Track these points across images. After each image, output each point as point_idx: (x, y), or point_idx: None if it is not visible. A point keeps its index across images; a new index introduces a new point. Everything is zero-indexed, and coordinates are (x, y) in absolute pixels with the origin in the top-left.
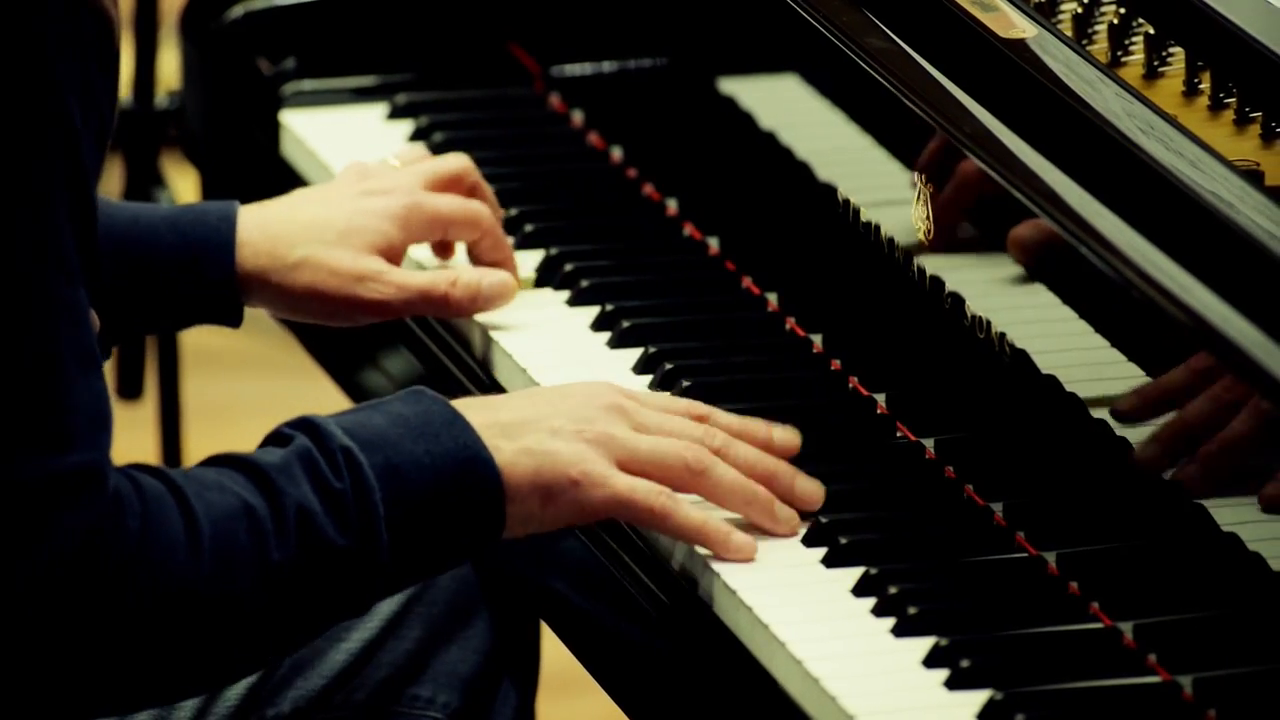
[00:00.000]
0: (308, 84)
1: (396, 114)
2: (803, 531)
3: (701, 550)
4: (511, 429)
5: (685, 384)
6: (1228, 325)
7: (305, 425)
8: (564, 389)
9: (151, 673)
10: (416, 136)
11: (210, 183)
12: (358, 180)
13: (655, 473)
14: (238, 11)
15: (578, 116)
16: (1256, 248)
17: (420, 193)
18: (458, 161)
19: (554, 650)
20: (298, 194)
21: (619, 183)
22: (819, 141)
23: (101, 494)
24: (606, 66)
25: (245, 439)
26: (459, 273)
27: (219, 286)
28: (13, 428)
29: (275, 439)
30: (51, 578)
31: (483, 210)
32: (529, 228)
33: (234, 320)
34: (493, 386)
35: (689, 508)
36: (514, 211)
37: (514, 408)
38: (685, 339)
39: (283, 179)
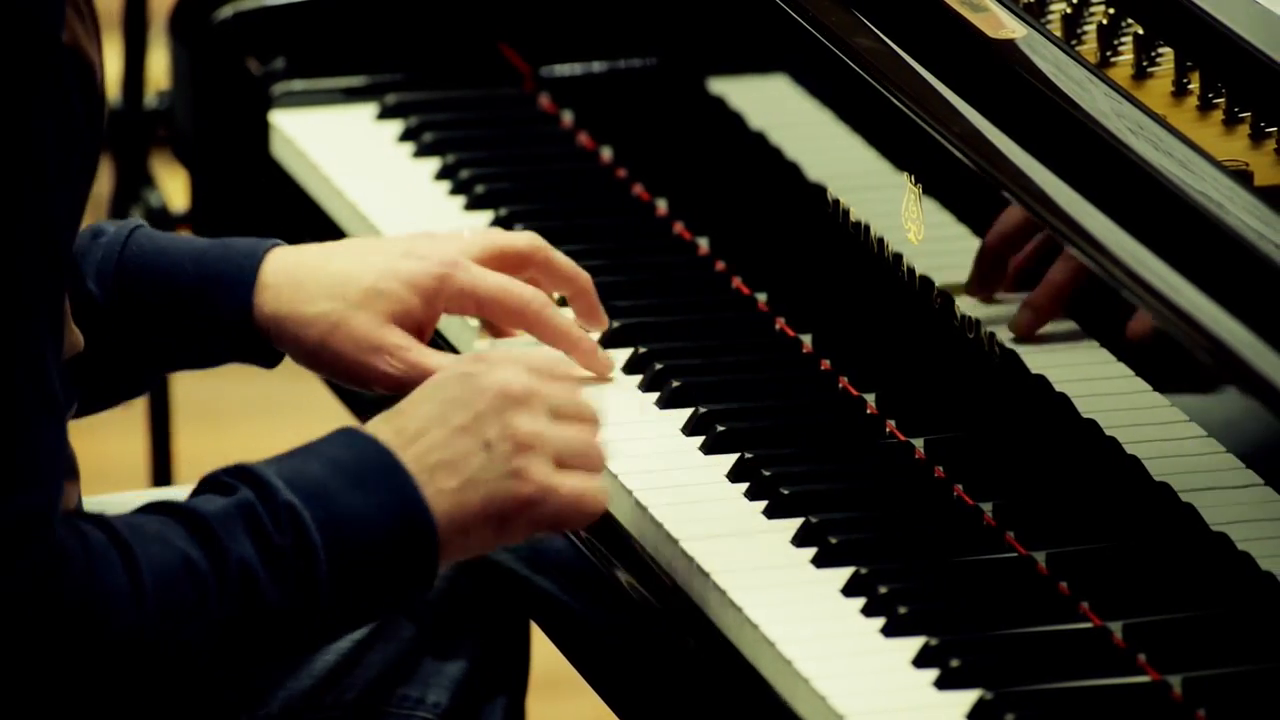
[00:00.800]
0: (297, 84)
1: (386, 114)
2: (793, 531)
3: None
4: (445, 457)
5: (675, 384)
6: (1217, 325)
7: (247, 476)
8: (474, 384)
9: (100, 713)
10: (406, 137)
11: (200, 183)
12: (408, 240)
13: (575, 461)
14: (227, 11)
15: (568, 117)
16: (1245, 248)
17: (460, 263)
18: (525, 238)
19: (544, 651)
20: (339, 243)
21: (609, 183)
22: (808, 141)
23: (47, 541)
24: (596, 66)
25: (235, 441)
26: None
27: (235, 326)
28: None
29: (215, 487)
30: None
31: (531, 302)
32: (518, 228)
33: (268, 361)
34: None
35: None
36: (503, 211)
37: (434, 430)
38: (675, 339)
39: (272, 179)
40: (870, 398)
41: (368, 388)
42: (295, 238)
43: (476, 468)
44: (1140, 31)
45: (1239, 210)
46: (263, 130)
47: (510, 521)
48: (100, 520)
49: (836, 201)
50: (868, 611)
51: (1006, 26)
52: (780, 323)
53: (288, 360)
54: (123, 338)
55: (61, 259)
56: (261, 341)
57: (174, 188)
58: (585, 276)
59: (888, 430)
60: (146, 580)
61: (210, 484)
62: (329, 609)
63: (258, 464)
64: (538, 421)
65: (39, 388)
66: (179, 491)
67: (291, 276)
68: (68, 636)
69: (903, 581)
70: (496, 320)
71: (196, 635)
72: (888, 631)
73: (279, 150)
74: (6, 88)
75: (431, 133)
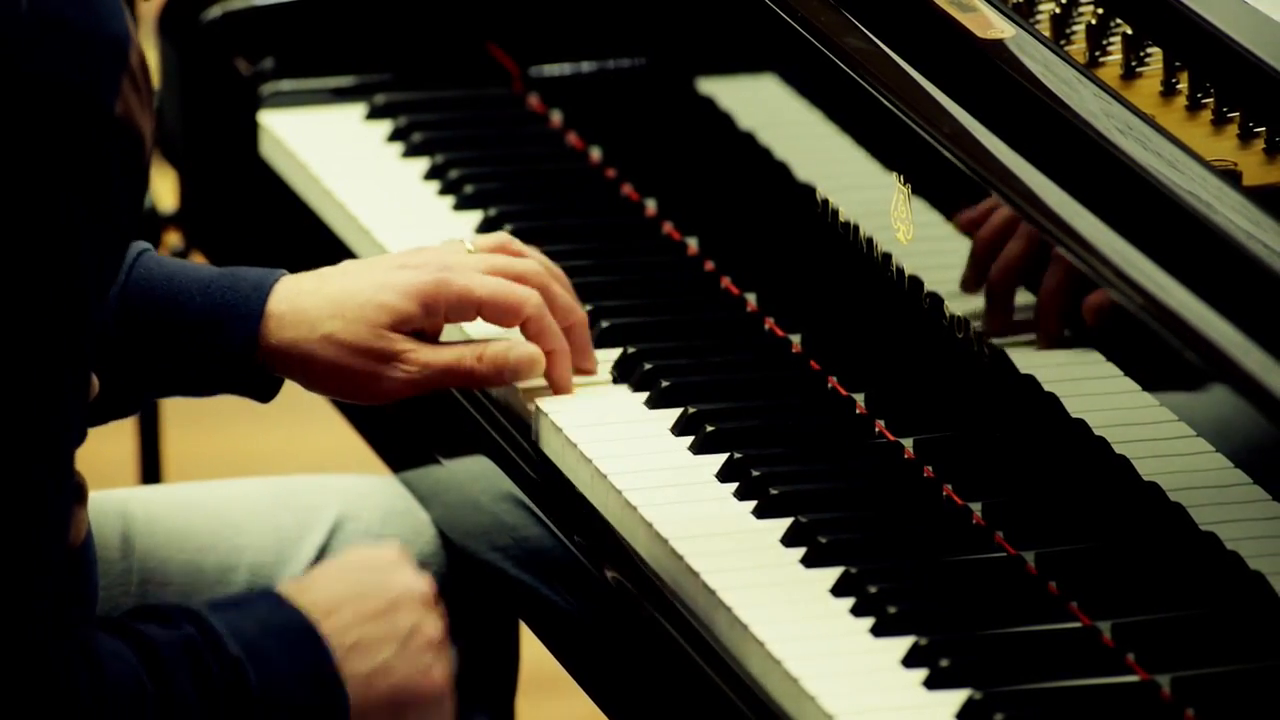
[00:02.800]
0: (286, 84)
1: (375, 114)
2: (782, 531)
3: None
4: (359, 647)
5: (664, 384)
6: (1205, 324)
7: (192, 618)
8: (373, 576)
9: None
10: (395, 137)
11: (188, 183)
12: (404, 253)
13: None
14: (216, 12)
15: (556, 117)
16: (1234, 247)
17: (454, 267)
18: (526, 264)
19: (533, 650)
20: (336, 266)
21: (598, 183)
22: (797, 141)
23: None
24: (585, 67)
25: (223, 439)
26: (486, 346)
27: (239, 358)
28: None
29: (158, 616)
30: None
31: (527, 298)
32: (508, 228)
33: (264, 395)
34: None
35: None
36: (492, 211)
37: (353, 609)
38: (664, 339)
39: (261, 180)
40: (859, 397)
41: (384, 400)
42: (283, 238)
43: (388, 657)
44: (1129, 32)
45: (1227, 210)
46: (251, 130)
47: (406, 713)
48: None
49: (826, 201)
50: (857, 611)
51: (995, 26)
52: (769, 323)
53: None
54: (123, 361)
55: (90, 336)
56: (262, 373)
57: (163, 188)
58: (581, 314)
59: (877, 430)
60: (109, 694)
61: (153, 614)
62: None
63: (196, 606)
64: (440, 626)
65: (55, 505)
66: (167, 489)
67: (293, 305)
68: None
69: (892, 581)
70: (495, 321)
71: None
72: (877, 631)
73: (268, 150)
74: (41, 158)
75: (420, 133)
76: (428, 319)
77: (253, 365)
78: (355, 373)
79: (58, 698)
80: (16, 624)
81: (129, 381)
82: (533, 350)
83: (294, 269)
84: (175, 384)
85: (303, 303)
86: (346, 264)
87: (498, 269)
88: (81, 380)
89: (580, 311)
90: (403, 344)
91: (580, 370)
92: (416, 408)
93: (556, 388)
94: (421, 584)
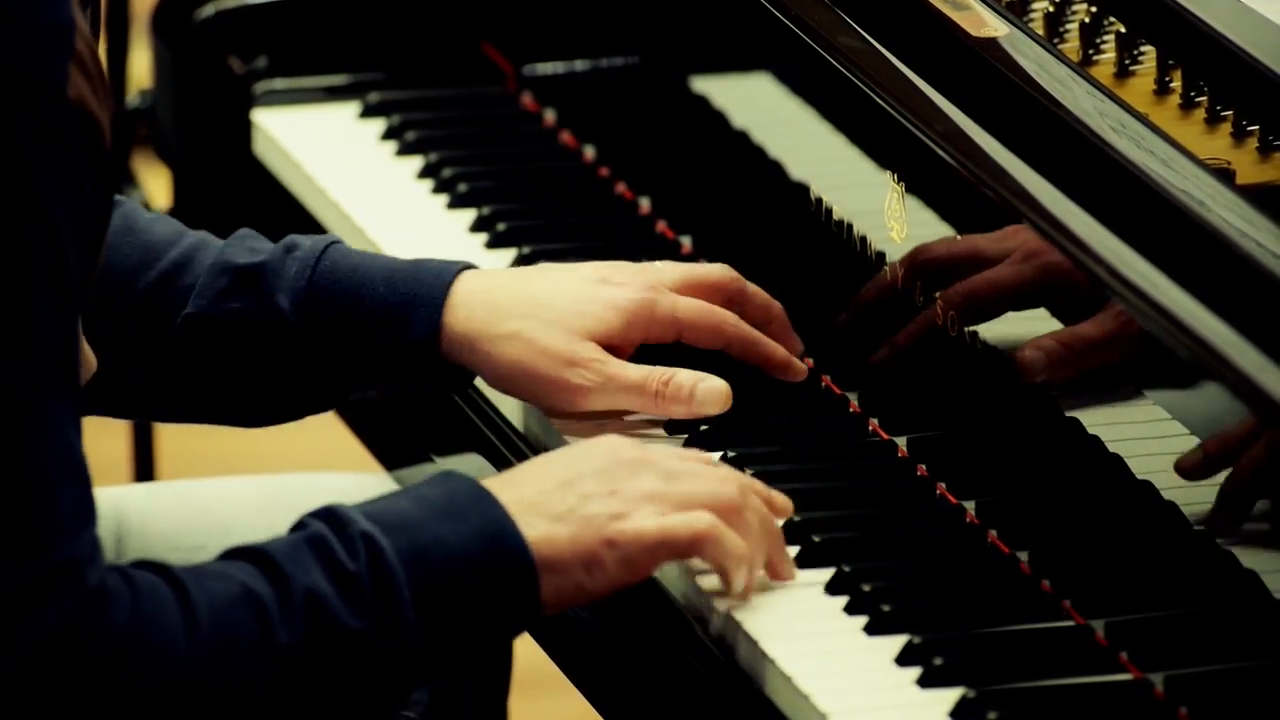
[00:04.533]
0: (279, 83)
1: (368, 113)
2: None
3: (694, 563)
4: (542, 502)
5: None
6: (1198, 323)
7: (325, 513)
8: (583, 450)
9: None
10: (389, 136)
11: (182, 182)
12: (605, 267)
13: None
14: (209, 10)
15: (550, 115)
16: (1227, 246)
17: (660, 291)
18: (720, 271)
19: (527, 648)
20: (533, 267)
21: (591, 181)
22: (791, 140)
23: (78, 589)
24: (579, 65)
25: (218, 439)
26: (674, 372)
27: (423, 346)
28: None
29: (295, 528)
30: (26, 679)
31: (726, 320)
32: (501, 226)
33: (458, 385)
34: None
35: (731, 534)
36: (486, 210)
37: (540, 478)
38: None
39: (255, 178)
40: (853, 396)
41: (560, 407)
42: (277, 237)
43: (567, 508)
44: (1122, 30)
45: (1221, 208)
46: (245, 129)
47: (599, 564)
48: (155, 565)
49: (819, 200)
50: (851, 610)
51: (989, 25)
52: None
53: None
54: (311, 356)
55: (77, 309)
56: (449, 364)
57: (156, 187)
58: (778, 306)
59: (871, 429)
60: (201, 614)
61: (293, 528)
62: (420, 638)
63: (343, 505)
64: (641, 481)
65: (62, 448)
66: (160, 487)
67: (486, 297)
68: (113, 680)
69: (886, 580)
70: (696, 343)
71: (262, 669)
72: (870, 630)
73: (261, 149)
74: (4, 145)
75: (414, 131)
76: (627, 335)
77: (438, 354)
78: (538, 372)
79: (86, 627)
80: (32, 545)
81: (322, 375)
82: (720, 384)
83: None
84: (364, 378)
85: (498, 296)
86: (545, 267)
87: (693, 279)
88: (72, 361)
89: (776, 303)
90: (593, 352)
91: (784, 370)
92: (409, 407)
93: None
94: (624, 447)
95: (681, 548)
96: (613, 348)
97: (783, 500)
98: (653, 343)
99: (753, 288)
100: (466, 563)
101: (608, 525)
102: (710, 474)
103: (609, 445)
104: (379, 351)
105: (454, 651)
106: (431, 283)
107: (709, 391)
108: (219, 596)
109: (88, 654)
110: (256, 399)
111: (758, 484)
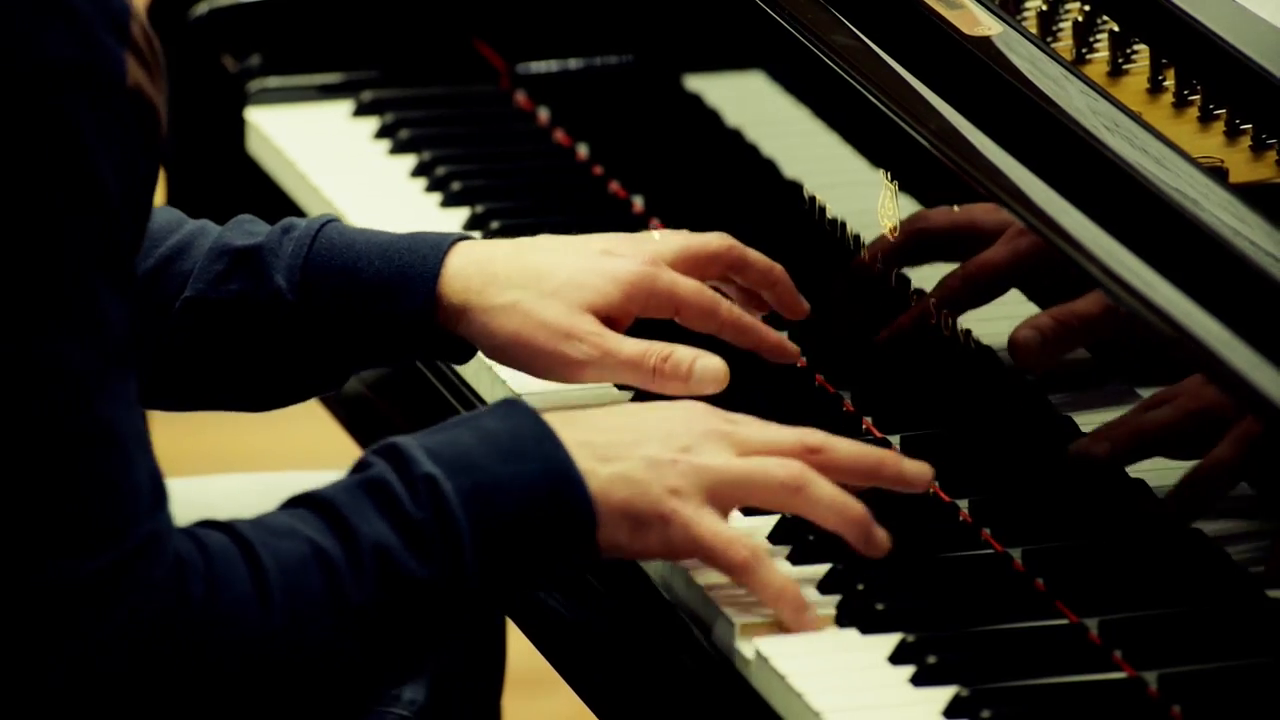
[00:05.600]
0: (273, 81)
1: (362, 111)
2: (768, 529)
3: (690, 562)
4: (606, 452)
5: None
6: (1192, 321)
7: (388, 451)
8: (662, 409)
9: None
10: (382, 134)
11: (175, 180)
12: (605, 239)
13: (750, 497)
14: (203, 8)
15: (544, 113)
16: (1220, 244)
17: (661, 266)
18: (718, 239)
19: (521, 648)
20: (530, 239)
21: (585, 179)
22: (785, 138)
23: (162, 564)
24: (572, 63)
25: (211, 436)
26: (673, 348)
27: (419, 317)
28: (73, 519)
29: (358, 467)
30: (120, 659)
31: (721, 304)
32: (494, 225)
33: (459, 356)
34: (457, 378)
35: (772, 566)
36: (480, 209)
37: (609, 427)
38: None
39: (248, 176)
40: (847, 395)
41: (557, 379)
42: None
43: (630, 466)
44: (1116, 29)
45: (1214, 207)
46: (238, 127)
47: (643, 532)
48: (222, 525)
49: (813, 198)
50: (844, 608)
51: (982, 23)
52: None
53: None
54: (310, 333)
55: (133, 286)
56: (447, 335)
57: None
58: (780, 268)
59: (864, 427)
60: (273, 579)
61: (356, 467)
62: (479, 581)
63: (405, 437)
64: (713, 455)
65: (133, 423)
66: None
67: (483, 268)
68: (198, 652)
69: (879, 578)
70: (689, 323)
71: (336, 627)
72: (864, 628)
73: (254, 147)
74: (66, 125)
75: (407, 129)
76: (626, 308)
77: (435, 325)
78: (535, 344)
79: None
80: (119, 523)
81: (319, 354)
82: (718, 363)
83: None
84: (363, 353)
85: (495, 266)
86: (543, 238)
87: (691, 250)
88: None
89: (778, 265)
90: (590, 325)
91: (796, 315)
92: (404, 404)
93: (788, 362)
94: (713, 415)
95: (721, 564)
96: (610, 320)
97: (916, 470)
98: (649, 317)
99: (753, 254)
100: (528, 506)
101: (665, 500)
102: (783, 445)
103: (689, 410)
104: (375, 324)
105: (511, 590)
106: (427, 254)
107: (706, 370)
108: (288, 558)
109: (171, 635)
110: (258, 381)
111: (873, 455)
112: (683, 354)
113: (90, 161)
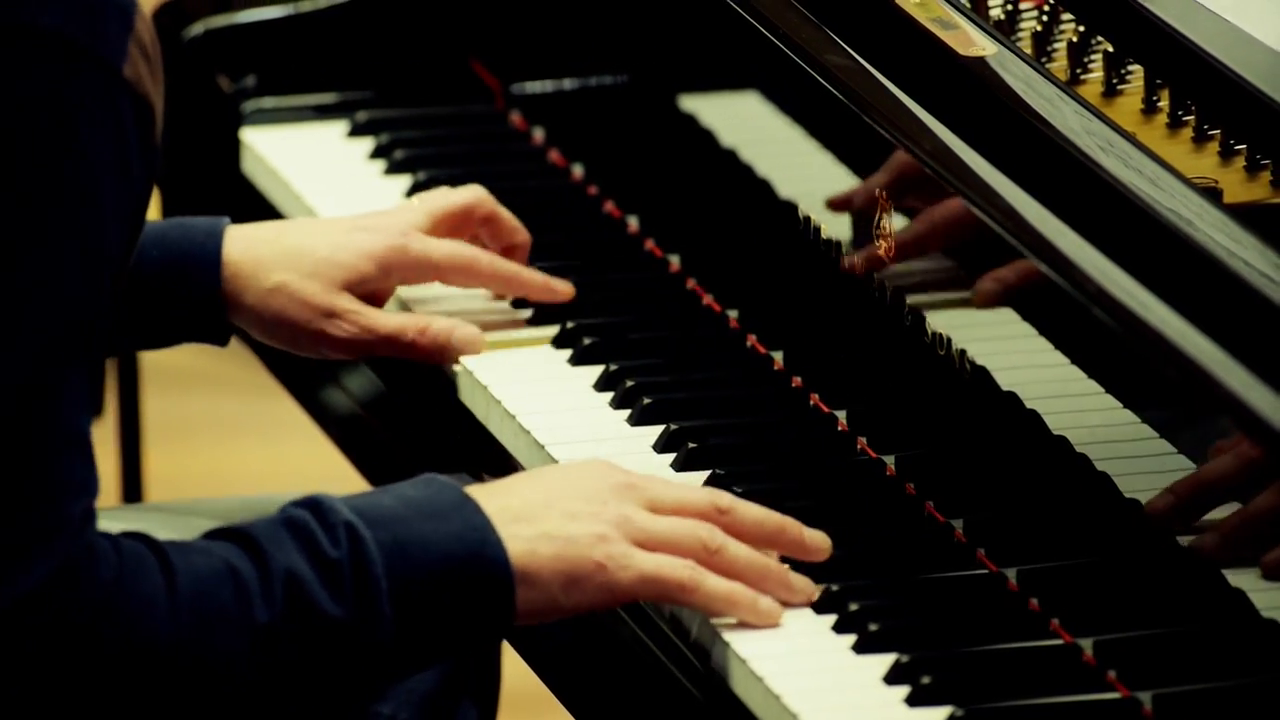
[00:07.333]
0: (268, 101)
1: (357, 131)
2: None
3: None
4: (525, 514)
5: (647, 401)
6: (1186, 342)
7: (309, 502)
8: (572, 469)
9: None
10: (377, 154)
11: (170, 200)
12: (357, 216)
13: (672, 551)
14: (198, 29)
15: (538, 134)
16: (1215, 265)
17: (412, 235)
18: (466, 195)
19: (515, 668)
20: (291, 221)
21: (580, 200)
22: (779, 159)
23: (68, 547)
24: (567, 84)
25: (205, 458)
26: (430, 321)
27: (204, 304)
28: None
29: (278, 514)
30: (10, 632)
31: (478, 258)
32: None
33: (221, 339)
34: (451, 397)
35: (714, 577)
36: None
37: (525, 492)
38: (646, 356)
39: (243, 197)
40: (841, 414)
41: (323, 354)
42: None
43: (553, 525)
44: (1110, 49)
45: (1208, 227)
46: (233, 147)
47: (579, 584)
48: (139, 535)
49: (808, 219)
50: (839, 628)
51: (977, 44)
52: (751, 340)
53: (261, 377)
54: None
55: (114, 290)
56: (220, 320)
57: None
58: (527, 235)
59: (859, 447)
60: (182, 584)
61: (276, 514)
62: (396, 633)
63: (327, 495)
64: (629, 507)
65: (65, 414)
66: (149, 508)
67: (248, 253)
68: (97, 636)
69: (874, 598)
70: (453, 281)
71: (239, 642)
72: (859, 648)
73: (249, 167)
74: (61, 117)
75: (402, 150)
76: (383, 281)
77: (214, 312)
78: (298, 324)
79: (77, 590)
80: (29, 500)
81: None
82: (473, 331)
83: None
84: (139, 339)
85: (259, 251)
86: (304, 220)
87: (441, 210)
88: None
89: (524, 230)
90: (349, 304)
91: (547, 295)
92: (399, 424)
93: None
94: (615, 473)
95: (669, 590)
96: (372, 296)
97: (815, 539)
98: (410, 284)
99: (503, 211)
100: (446, 563)
101: (593, 548)
102: (692, 505)
103: (598, 467)
104: (156, 313)
105: (427, 651)
106: (205, 242)
107: (464, 339)
108: (201, 568)
109: (73, 607)
110: None
111: (775, 520)
112: (440, 325)
113: (78, 142)
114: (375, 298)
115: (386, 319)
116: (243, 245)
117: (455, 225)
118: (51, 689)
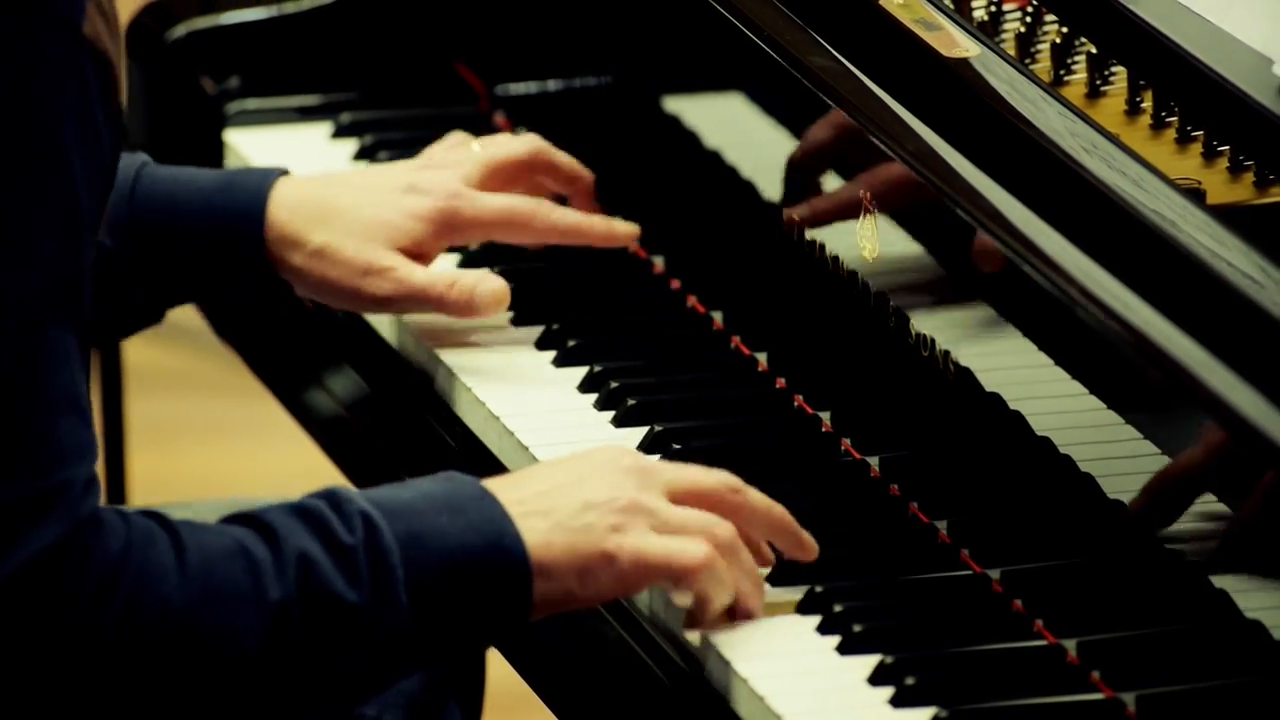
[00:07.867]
0: (252, 103)
1: (341, 133)
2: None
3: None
4: (541, 505)
5: (631, 402)
6: (1170, 343)
7: (324, 493)
8: (583, 459)
9: (137, 706)
10: (361, 156)
11: None
12: (413, 169)
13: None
14: (181, 30)
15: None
16: (1198, 266)
17: (463, 196)
18: (525, 145)
19: (500, 670)
20: (343, 176)
21: (563, 200)
22: (764, 160)
23: (71, 514)
24: (551, 85)
25: (190, 459)
26: (459, 275)
27: (248, 262)
28: None
29: (292, 504)
30: (15, 599)
31: (534, 215)
32: (471, 247)
33: (272, 291)
34: (435, 398)
35: (724, 567)
36: None
37: (541, 483)
38: (631, 357)
39: None
40: (825, 415)
41: (363, 310)
42: None
43: (568, 515)
44: (1093, 51)
45: (1191, 228)
46: (217, 149)
47: (593, 574)
48: (150, 511)
49: (792, 219)
50: (823, 629)
51: (960, 45)
52: (736, 341)
53: (244, 379)
54: (135, 281)
55: (89, 248)
56: (267, 275)
57: None
58: (588, 174)
59: (843, 448)
60: (193, 559)
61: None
62: (411, 627)
63: (340, 487)
64: (644, 493)
65: (65, 385)
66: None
67: (295, 212)
68: (103, 605)
69: (858, 599)
70: (508, 239)
71: (250, 620)
72: (843, 649)
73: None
74: (22, 77)
75: (386, 151)
76: (434, 244)
77: (261, 266)
78: (339, 283)
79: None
80: (28, 466)
81: (144, 295)
82: (500, 286)
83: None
84: (189, 295)
85: (307, 211)
86: (352, 175)
87: (496, 162)
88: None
89: (586, 171)
90: (389, 260)
91: (608, 240)
92: (383, 426)
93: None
94: (634, 456)
95: (678, 573)
96: (418, 254)
97: (808, 538)
98: (462, 243)
99: (562, 155)
100: (463, 555)
101: (607, 538)
102: (707, 486)
103: (612, 454)
104: (203, 273)
105: (444, 643)
106: (251, 199)
107: (486, 294)
108: (213, 545)
109: (79, 578)
110: None
111: (781, 508)
112: (467, 280)
113: (41, 104)
114: (422, 256)
115: (417, 274)
116: (291, 206)
117: (512, 176)
118: (57, 660)
